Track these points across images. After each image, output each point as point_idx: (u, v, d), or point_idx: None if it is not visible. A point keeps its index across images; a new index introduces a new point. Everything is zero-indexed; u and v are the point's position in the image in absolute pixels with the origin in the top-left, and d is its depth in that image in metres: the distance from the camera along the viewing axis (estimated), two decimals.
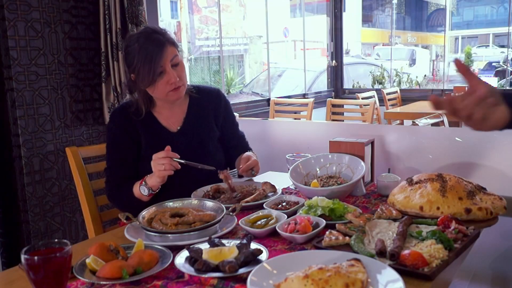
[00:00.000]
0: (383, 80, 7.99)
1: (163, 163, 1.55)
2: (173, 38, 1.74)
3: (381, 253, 1.14)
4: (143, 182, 1.63)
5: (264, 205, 1.54)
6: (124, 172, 1.75)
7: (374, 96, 5.46)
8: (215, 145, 1.88)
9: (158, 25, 2.96)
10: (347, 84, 6.60)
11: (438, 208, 1.40)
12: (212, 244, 1.17)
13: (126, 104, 1.82)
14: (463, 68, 0.99)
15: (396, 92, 5.94)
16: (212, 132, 1.88)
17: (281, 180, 1.91)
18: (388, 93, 5.68)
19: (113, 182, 1.75)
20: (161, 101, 1.80)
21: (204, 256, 1.12)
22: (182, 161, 1.59)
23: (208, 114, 1.88)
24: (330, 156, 1.83)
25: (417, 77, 9.55)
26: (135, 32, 2.51)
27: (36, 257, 0.92)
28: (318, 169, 1.82)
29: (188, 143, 1.80)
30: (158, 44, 1.66)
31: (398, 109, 5.37)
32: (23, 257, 0.92)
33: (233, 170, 1.85)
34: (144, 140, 1.77)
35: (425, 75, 11.82)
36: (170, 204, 1.47)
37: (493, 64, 13.38)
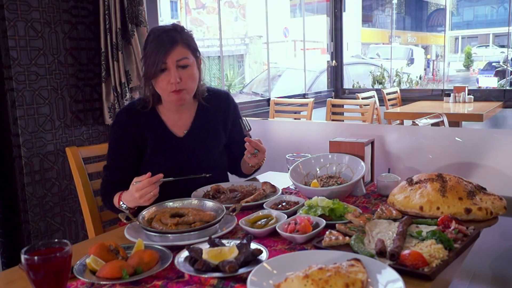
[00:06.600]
0: (383, 80, 7.99)
1: (150, 191, 1.47)
2: (192, 42, 1.68)
3: (381, 253, 1.14)
4: (121, 202, 1.57)
5: (264, 205, 1.54)
6: (120, 177, 1.71)
7: (374, 96, 5.45)
8: (220, 151, 1.86)
9: (158, 25, 2.96)
10: (347, 84, 6.59)
11: (438, 208, 1.40)
12: (212, 244, 1.17)
13: (133, 104, 1.78)
14: None
15: (396, 92, 5.93)
16: (219, 139, 1.86)
17: (281, 180, 1.91)
18: (388, 93, 5.67)
19: (107, 182, 1.73)
20: (166, 101, 1.76)
21: (204, 256, 1.12)
22: (170, 178, 1.53)
23: (216, 120, 1.85)
24: (330, 156, 1.83)
25: (417, 76, 9.54)
26: (134, 31, 2.54)
27: (36, 257, 0.92)
28: (318, 169, 1.82)
29: (193, 149, 1.78)
30: (170, 39, 1.62)
31: (398, 109, 5.36)
32: (23, 257, 0.92)
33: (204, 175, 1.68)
34: (150, 144, 1.74)
35: (420, 76, 11.76)
36: (170, 204, 1.47)
37: (493, 64, 13.41)
